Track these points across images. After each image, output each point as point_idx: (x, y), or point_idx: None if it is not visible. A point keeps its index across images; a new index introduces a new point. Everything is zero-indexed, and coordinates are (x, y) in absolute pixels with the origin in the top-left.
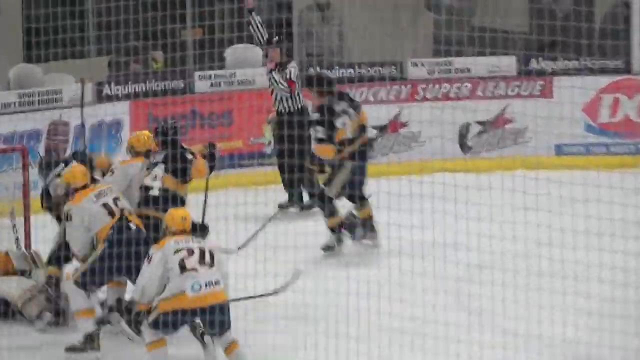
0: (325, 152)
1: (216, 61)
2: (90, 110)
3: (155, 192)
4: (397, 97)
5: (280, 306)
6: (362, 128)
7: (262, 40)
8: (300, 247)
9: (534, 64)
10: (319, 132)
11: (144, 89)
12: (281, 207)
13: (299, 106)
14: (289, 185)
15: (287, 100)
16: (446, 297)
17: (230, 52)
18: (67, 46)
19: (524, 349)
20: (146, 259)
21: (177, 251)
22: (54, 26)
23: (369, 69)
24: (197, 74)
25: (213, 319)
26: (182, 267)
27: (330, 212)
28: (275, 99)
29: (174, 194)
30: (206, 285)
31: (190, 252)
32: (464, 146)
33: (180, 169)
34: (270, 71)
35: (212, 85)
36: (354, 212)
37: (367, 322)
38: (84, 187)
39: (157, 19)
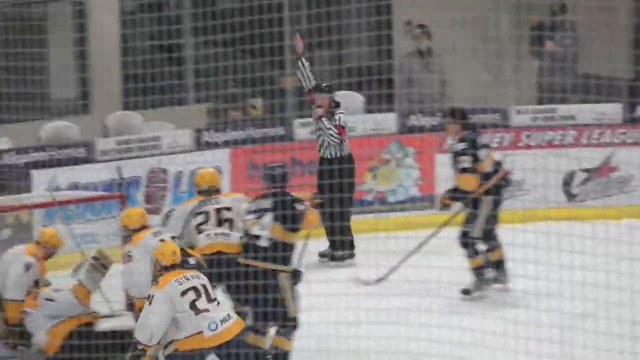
0: (469, 182)
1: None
2: (189, 157)
3: (263, 243)
4: (500, 144)
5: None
6: (498, 163)
7: (310, 86)
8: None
9: (639, 112)
10: (464, 162)
11: (243, 136)
12: (322, 255)
13: (347, 153)
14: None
15: (335, 147)
16: (551, 347)
17: None
18: (165, 93)
19: None
20: (146, 299)
21: (183, 293)
22: (152, 73)
23: (471, 115)
24: (296, 121)
25: (230, 353)
26: (196, 309)
27: (474, 252)
28: (322, 145)
29: (283, 244)
30: (222, 322)
31: (197, 292)
32: (568, 194)
33: (290, 219)
34: (320, 117)
35: (311, 132)
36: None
37: None
38: (142, 228)
39: (256, 65)
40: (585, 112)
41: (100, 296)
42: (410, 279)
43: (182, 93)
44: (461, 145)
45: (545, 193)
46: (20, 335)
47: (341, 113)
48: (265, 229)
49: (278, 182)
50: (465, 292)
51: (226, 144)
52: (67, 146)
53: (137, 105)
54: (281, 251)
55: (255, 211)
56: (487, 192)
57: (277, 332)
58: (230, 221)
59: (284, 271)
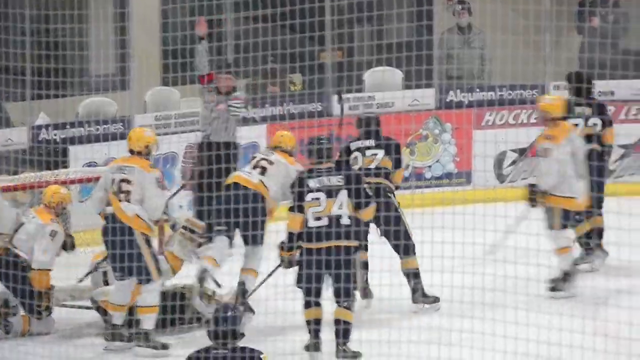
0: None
1: (354, 84)
2: None
3: (345, 221)
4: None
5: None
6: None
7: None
8: None
9: None
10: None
11: (281, 111)
12: None
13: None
14: None
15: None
16: None
17: (369, 75)
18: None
19: None
20: None
21: None
22: (191, 49)
23: (510, 92)
24: (335, 96)
25: None
26: None
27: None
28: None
29: (357, 220)
30: None
31: None
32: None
33: (363, 195)
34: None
35: (350, 108)
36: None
37: None
38: None
39: (296, 41)
40: (623, 88)
41: None
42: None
43: (221, 68)
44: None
45: None
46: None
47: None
48: (344, 208)
49: (325, 157)
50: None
51: (264, 119)
52: (105, 122)
53: (175, 81)
54: (356, 227)
55: (320, 189)
56: None
57: (341, 305)
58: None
59: (358, 247)
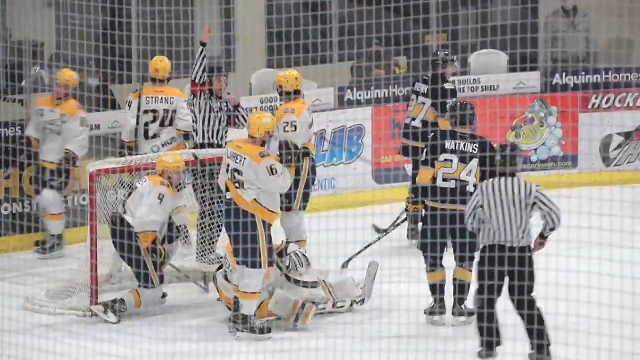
0: None
1: (460, 67)
2: (332, 116)
3: (471, 188)
4: None
5: None
6: None
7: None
8: None
9: None
10: None
11: (386, 94)
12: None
13: None
14: None
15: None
16: None
17: (474, 58)
18: (309, 52)
19: None
20: None
21: None
22: (296, 31)
23: (616, 75)
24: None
25: None
26: None
27: None
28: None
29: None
30: None
31: None
32: None
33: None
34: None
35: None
36: None
37: None
38: None
39: (401, 24)
40: None
41: None
42: None
43: (326, 51)
44: None
45: None
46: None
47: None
48: (472, 175)
49: (467, 123)
50: None
51: (369, 102)
52: None
53: (281, 63)
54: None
55: (454, 151)
56: None
57: (461, 266)
58: None
59: None
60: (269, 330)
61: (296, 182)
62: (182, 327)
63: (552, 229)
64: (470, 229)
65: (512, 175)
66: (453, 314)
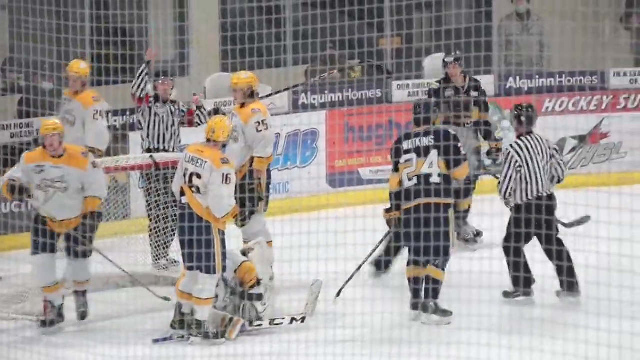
0: None
1: (414, 70)
2: (286, 119)
3: (435, 179)
4: (598, 107)
5: None
6: None
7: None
8: None
9: None
10: None
11: (340, 98)
12: None
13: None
14: None
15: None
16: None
17: (428, 62)
18: (263, 55)
19: None
20: None
21: None
22: (250, 35)
23: (570, 78)
24: (394, 83)
25: None
26: None
27: None
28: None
29: (447, 177)
30: None
31: None
32: None
33: (453, 152)
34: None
35: (409, 94)
36: None
37: None
38: None
39: (355, 27)
40: None
41: None
42: None
43: (280, 55)
44: None
45: None
46: None
47: None
48: (434, 166)
49: (421, 123)
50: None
51: (323, 106)
52: None
53: (235, 67)
54: (448, 185)
55: (411, 150)
56: None
57: (432, 263)
58: None
59: (449, 205)
60: (223, 335)
61: (267, 186)
62: (135, 331)
63: (559, 181)
64: (504, 199)
65: (529, 133)
66: (426, 310)
